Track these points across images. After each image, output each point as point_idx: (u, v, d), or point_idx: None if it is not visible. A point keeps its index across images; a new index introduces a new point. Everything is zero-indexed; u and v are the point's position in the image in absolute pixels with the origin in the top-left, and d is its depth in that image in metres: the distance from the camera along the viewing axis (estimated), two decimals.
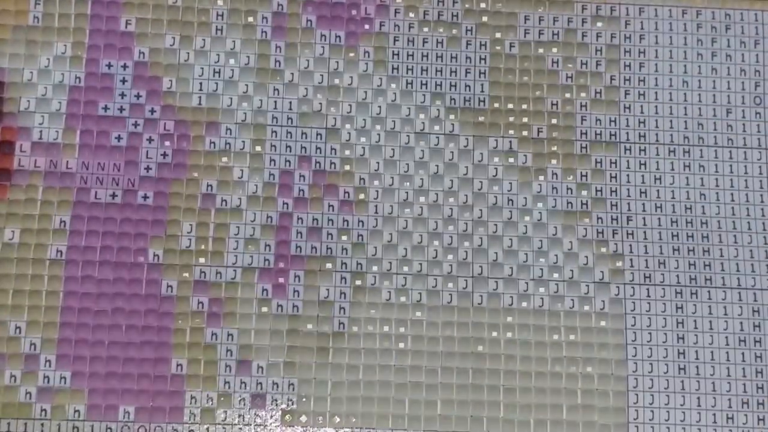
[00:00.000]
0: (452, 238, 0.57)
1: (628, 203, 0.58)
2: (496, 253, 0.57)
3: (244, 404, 0.55)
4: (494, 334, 0.56)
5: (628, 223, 0.58)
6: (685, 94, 0.60)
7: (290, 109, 0.58)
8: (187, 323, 0.55)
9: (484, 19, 0.60)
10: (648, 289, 0.57)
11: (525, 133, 0.59)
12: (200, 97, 0.58)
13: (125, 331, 0.55)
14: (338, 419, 0.55)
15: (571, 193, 0.58)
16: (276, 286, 0.56)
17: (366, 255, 0.57)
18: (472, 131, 0.59)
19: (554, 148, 0.59)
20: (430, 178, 0.58)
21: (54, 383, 0.54)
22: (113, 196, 0.56)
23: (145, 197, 0.57)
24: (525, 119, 0.59)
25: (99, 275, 0.55)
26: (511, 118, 0.59)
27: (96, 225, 0.56)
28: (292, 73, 0.59)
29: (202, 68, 0.58)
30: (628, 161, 0.59)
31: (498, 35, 0.60)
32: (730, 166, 0.59)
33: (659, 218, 0.58)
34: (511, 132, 0.59)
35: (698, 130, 0.59)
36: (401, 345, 0.56)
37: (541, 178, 0.58)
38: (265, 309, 0.56)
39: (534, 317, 0.56)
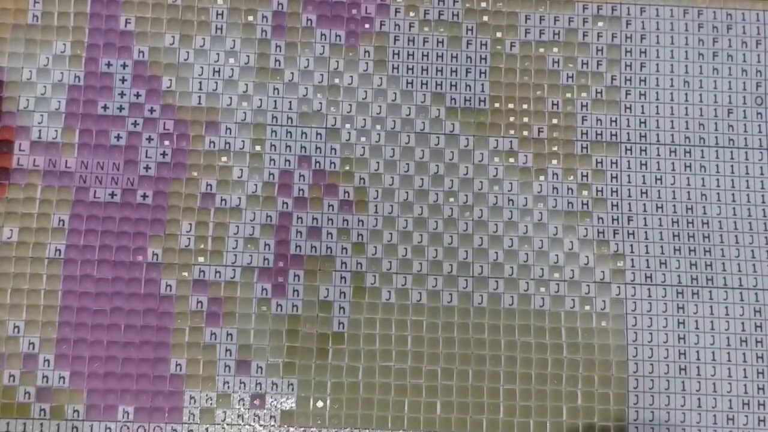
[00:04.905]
0: (452, 238, 0.57)
1: (629, 203, 0.58)
2: (497, 253, 0.57)
3: (244, 404, 0.55)
4: (495, 335, 0.56)
5: (629, 223, 0.58)
6: (686, 94, 0.60)
7: (290, 108, 0.58)
8: (186, 323, 0.55)
9: (485, 18, 0.60)
10: (649, 289, 0.57)
11: (525, 133, 0.59)
12: (200, 97, 0.58)
13: (124, 331, 0.55)
14: (338, 420, 0.55)
15: (572, 193, 0.58)
16: (275, 285, 0.56)
17: (366, 255, 0.57)
18: (472, 131, 0.58)
19: (555, 149, 0.58)
20: (430, 178, 0.58)
21: (53, 383, 0.54)
22: (112, 195, 0.56)
23: (145, 196, 0.56)
24: (525, 119, 0.59)
25: (98, 274, 0.55)
26: (512, 119, 0.59)
27: (95, 224, 0.56)
28: (292, 73, 0.59)
29: (202, 67, 0.58)
30: (628, 161, 0.59)
31: (498, 35, 0.60)
32: (732, 166, 0.59)
33: (660, 218, 0.58)
34: (512, 132, 0.59)
35: (699, 130, 0.59)
36: (401, 346, 0.56)
37: (542, 178, 0.58)
38: (264, 309, 0.56)
39: (535, 318, 0.56)
